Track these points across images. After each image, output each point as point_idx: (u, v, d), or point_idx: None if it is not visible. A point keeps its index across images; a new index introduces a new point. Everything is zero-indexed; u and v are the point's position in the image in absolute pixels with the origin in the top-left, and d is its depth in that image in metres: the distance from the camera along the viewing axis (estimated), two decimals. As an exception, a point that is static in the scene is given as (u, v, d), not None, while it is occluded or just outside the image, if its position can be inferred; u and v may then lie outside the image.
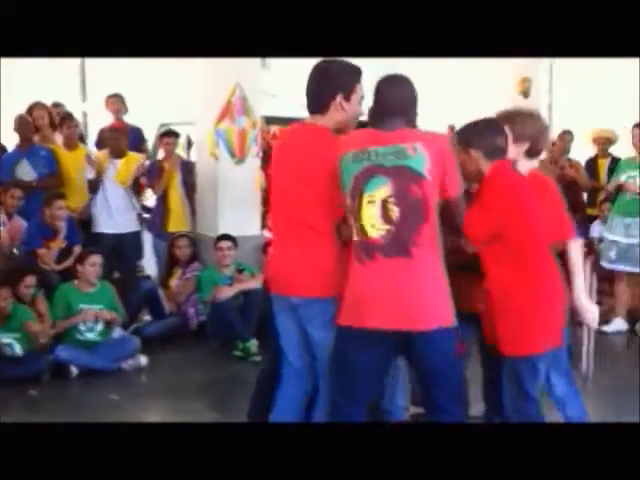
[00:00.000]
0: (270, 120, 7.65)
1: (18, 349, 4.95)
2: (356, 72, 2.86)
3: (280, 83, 9.39)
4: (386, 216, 2.60)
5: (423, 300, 2.64)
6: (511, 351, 2.87)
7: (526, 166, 3.10)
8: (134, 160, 6.48)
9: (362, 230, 2.64)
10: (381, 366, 2.79)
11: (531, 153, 3.14)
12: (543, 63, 9.72)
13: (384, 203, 2.60)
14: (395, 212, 2.59)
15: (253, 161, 6.44)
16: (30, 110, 6.58)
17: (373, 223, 2.62)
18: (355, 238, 2.67)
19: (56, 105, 7.12)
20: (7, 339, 4.94)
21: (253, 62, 6.49)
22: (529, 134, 3.09)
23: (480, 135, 2.91)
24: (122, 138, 6.57)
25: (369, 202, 2.61)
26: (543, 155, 4.39)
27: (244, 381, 4.71)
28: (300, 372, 3.04)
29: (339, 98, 2.79)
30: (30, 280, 5.13)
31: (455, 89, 10.06)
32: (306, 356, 2.98)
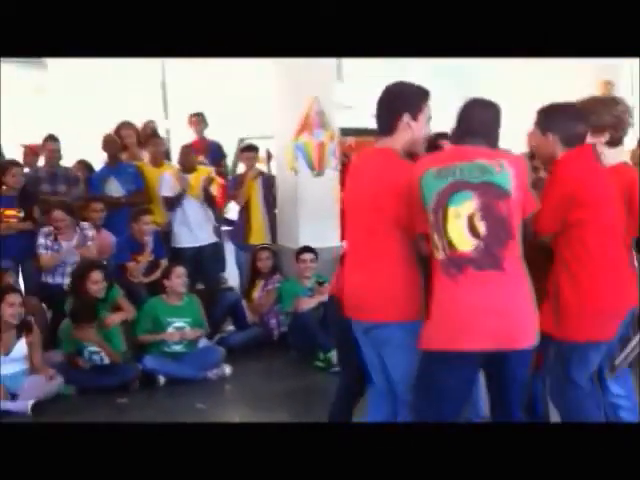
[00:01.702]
0: (347, 132, 7.72)
1: (106, 359, 5.13)
2: (423, 93, 2.89)
3: (355, 94, 9.47)
4: (473, 231, 2.60)
5: (520, 318, 2.62)
6: (562, 335, 2.85)
7: (612, 157, 3.03)
8: (205, 174, 6.63)
9: (450, 244, 2.62)
10: (470, 384, 2.78)
11: (611, 142, 3.08)
12: (625, 65, 9.45)
13: (470, 218, 2.60)
14: (482, 227, 2.59)
15: (331, 173, 6.51)
16: (118, 129, 6.87)
17: (461, 237, 2.61)
18: (440, 255, 2.64)
19: (149, 122, 7.41)
20: (94, 349, 5.12)
21: (329, 75, 6.59)
22: (606, 123, 3.05)
23: (560, 120, 2.89)
24: (191, 153, 6.73)
25: (455, 217, 2.61)
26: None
27: (325, 391, 4.72)
28: (383, 392, 3.05)
29: (406, 118, 2.82)
30: (96, 276, 5.25)
31: (537, 93, 9.88)
32: (387, 377, 2.98)
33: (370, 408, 3.17)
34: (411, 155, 2.88)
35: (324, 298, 5.60)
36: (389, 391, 3.01)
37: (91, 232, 5.93)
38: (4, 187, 6.03)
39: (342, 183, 6.58)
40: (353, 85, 9.72)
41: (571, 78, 8.86)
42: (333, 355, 5.31)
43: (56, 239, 5.76)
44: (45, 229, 5.78)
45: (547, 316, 2.84)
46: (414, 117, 2.82)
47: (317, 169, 6.53)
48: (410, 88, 2.89)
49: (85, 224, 5.97)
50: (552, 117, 2.93)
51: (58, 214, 5.75)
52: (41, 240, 5.75)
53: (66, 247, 5.76)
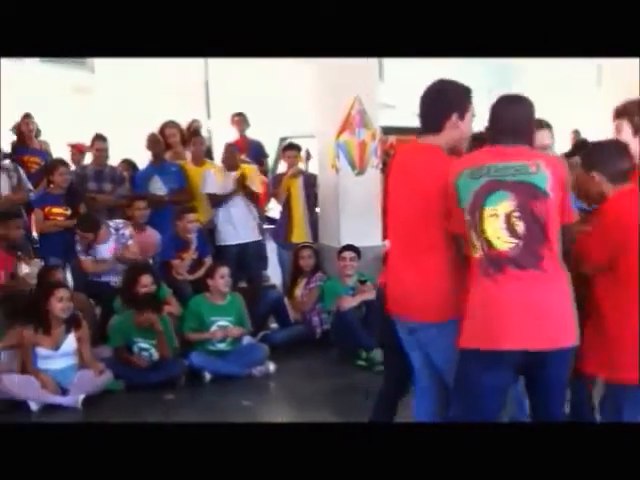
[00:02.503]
0: (388, 130, 7.73)
1: (155, 355, 5.21)
2: (469, 91, 2.90)
3: (397, 94, 9.47)
4: (511, 230, 2.60)
5: (559, 317, 2.61)
6: (615, 377, 2.80)
7: None
8: (249, 172, 6.68)
9: (488, 244, 2.62)
10: (509, 383, 2.77)
11: None
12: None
13: (508, 217, 2.60)
14: (520, 226, 2.59)
15: (373, 172, 6.53)
16: (162, 128, 6.96)
17: (499, 236, 2.60)
18: (478, 254, 2.64)
19: (193, 121, 7.52)
20: (145, 345, 5.22)
21: (371, 75, 6.60)
22: None
23: (604, 158, 2.88)
24: (234, 152, 6.79)
25: (491, 216, 2.61)
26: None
27: (367, 390, 4.77)
28: (427, 391, 3.06)
29: (454, 117, 2.82)
30: (146, 279, 5.35)
31: (584, 93, 9.85)
32: (433, 375, 2.99)
33: (416, 407, 3.17)
34: (453, 152, 2.89)
35: (366, 297, 5.66)
36: (434, 390, 3.02)
37: (127, 230, 6.00)
38: (51, 186, 6.16)
39: (384, 182, 6.61)
40: (394, 85, 9.72)
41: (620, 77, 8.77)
42: (375, 354, 5.33)
43: (90, 245, 5.86)
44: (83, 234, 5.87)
45: (591, 357, 2.81)
46: (461, 116, 2.83)
47: (359, 168, 6.55)
48: (457, 87, 2.89)
49: (119, 223, 6.04)
50: (596, 156, 2.91)
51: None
52: (78, 247, 5.86)
53: (104, 251, 5.86)
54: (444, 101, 2.84)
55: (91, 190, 6.48)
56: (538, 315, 2.57)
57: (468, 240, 2.67)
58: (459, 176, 2.68)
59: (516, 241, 2.59)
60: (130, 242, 5.96)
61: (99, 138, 6.71)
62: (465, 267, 2.74)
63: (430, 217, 2.79)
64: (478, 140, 3.00)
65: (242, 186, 6.45)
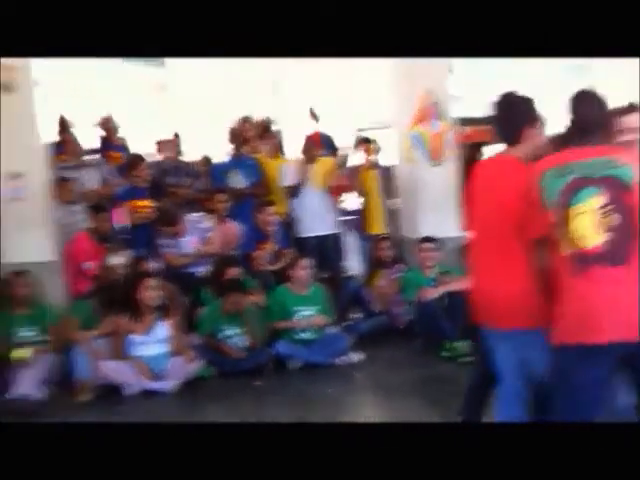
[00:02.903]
0: (463, 121, 7.70)
1: (243, 342, 5.32)
2: (533, 102, 2.95)
3: (465, 85, 9.43)
4: (600, 226, 2.61)
5: None
6: None
7: None
8: (327, 164, 6.75)
9: (578, 241, 2.63)
10: (605, 380, 2.74)
11: None
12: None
13: (597, 213, 2.61)
14: (609, 222, 2.60)
15: (450, 164, 6.53)
16: (239, 123, 7.09)
17: (588, 233, 2.62)
18: (568, 252, 2.65)
19: (266, 117, 7.63)
20: (233, 332, 5.34)
21: (441, 66, 6.59)
22: None
23: None
24: (313, 145, 6.87)
25: (580, 213, 2.62)
26: None
27: (451, 381, 4.79)
28: (515, 394, 3.05)
29: (528, 129, 2.90)
30: (233, 272, 5.47)
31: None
32: (523, 378, 2.99)
33: (501, 409, 3.17)
34: (533, 160, 2.93)
35: (448, 288, 5.67)
36: (521, 393, 3.02)
37: (207, 223, 6.12)
38: (136, 180, 6.34)
39: (463, 172, 6.61)
40: (462, 76, 9.68)
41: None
42: (459, 345, 5.35)
43: (172, 238, 6.00)
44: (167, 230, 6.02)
45: None
46: (534, 127, 2.92)
47: (435, 159, 6.56)
48: (525, 100, 2.96)
49: (199, 216, 6.18)
50: None
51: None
52: (161, 241, 6.01)
53: (185, 244, 6.00)
54: (516, 115, 2.93)
55: (170, 184, 6.64)
56: (630, 306, 2.58)
57: (555, 240, 2.69)
58: (543, 177, 2.72)
59: (604, 237, 2.60)
60: (210, 234, 6.09)
61: (176, 135, 6.88)
62: (545, 273, 2.76)
63: (511, 228, 2.83)
64: (556, 142, 3.04)
65: (319, 179, 6.52)
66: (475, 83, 9.08)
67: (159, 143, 6.96)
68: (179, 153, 6.89)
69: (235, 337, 5.34)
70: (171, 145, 6.90)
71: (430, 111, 6.53)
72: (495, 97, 2.97)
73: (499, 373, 3.09)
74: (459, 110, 8.42)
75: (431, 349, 5.52)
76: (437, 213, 6.36)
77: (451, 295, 5.64)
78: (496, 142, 3.02)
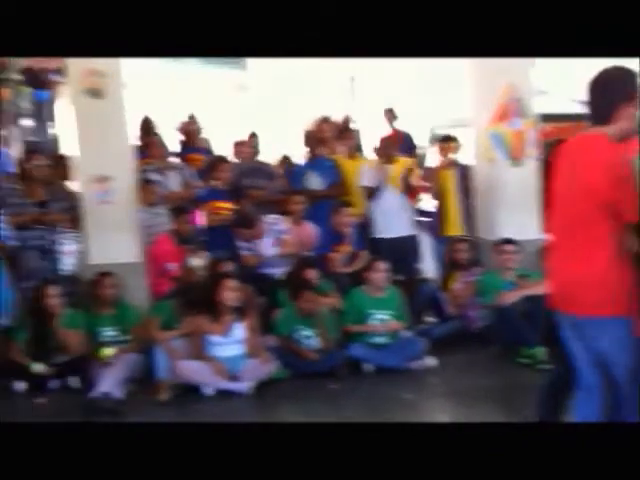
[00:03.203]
0: (546, 118, 7.49)
1: (317, 343, 5.38)
2: (634, 77, 2.80)
3: (549, 79, 9.17)
4: None
5: None
6: None
7: None
8: (405, 165, 6.70)
9: None
10: None
11: None
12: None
13: None
14: None
15: (532, 163, 6.37)
16: (317, 124, 7.13)
17: None
18: None
19: (345, 116, 7.68)
20: (307, 333, 5.40)
21: (523, 61, 6.40)
22: None
23: None
24: (392, 145, 6.83)
25: None
26: None
27: (529, 388, 4.65)
28: (591, 388, 2.96)
29: (625, 107, 2.76)
30: (311, 274, 5.52)
31: None
32: (599, 372, 2.89)
33: (578, 406, 3.09)
34: (623, 140, 2.80)
35: (528, 292, 5.53)
36: (598, 387, 2.92)
37: (283, 225, 6.19)
38: (216, 181, 6.48)
39: (545, 173, 6.43)
40: (546, 69, 9.42)
41: None
42: (538, 351, 5.23)
43: (249, 240, 6.11)
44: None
45: None
46: (631, 104, 2.76)
47: (515, 159, 6.40)
48: (624, 74, 2.81)
49: (275, 218, 6.26)
50: None
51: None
52: (239, 243, 6.11)
53: (262, 246, 6.09)
54: (612, 91, 2.78)
55: (246, 185, 6.74)
56: None
57: None
58: (636, 159, 2.61)
59: None
60: (286, 236, 6.16)
61: (251, 135, 6.98)
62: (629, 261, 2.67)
63: (597, 209, 2.72)
64: None
65: (398, 179, 6.49)
66: (560, 77, 8.84)
67: (236, 144, 7.09)
68: (256, 153, 6.98)
69: (310, 339, 5.39)
70: (247, 146, 7.00)
71: (512, 107, 6.38)
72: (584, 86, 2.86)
73: (574, 366, 2.99)
74: (543, 106, 8.23)
75: (508, 355, 5.43)
76: (516, 214, 6.23)
77: (530, 299, 5.51)
78: (588, 124, 2.89)
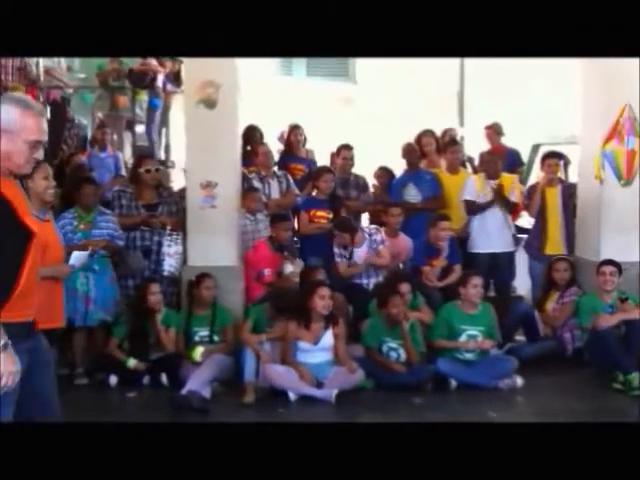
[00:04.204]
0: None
1: (403, 355, 5.38)
2: None
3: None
4: None
5: None
6: None
7: None
8: (509, 181, 6.59)
9: None
10: None
11: None
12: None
13: None
14: None
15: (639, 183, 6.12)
16: (419, 137, 7.15)
17: None
18: None
19: (449, 129, 7.65)
20: (393, 344, 5.41)
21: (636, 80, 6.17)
22: None
23: None
24: (497, 160, 6.75)
25: None
26: None
27: (623, 415, 4.53)
28: None
29: None
30: (404, 287, 5.52)
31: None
32: None
33: None
34: None
35: (627, 316, 5.34)
36: None
37: (379, 236, 6.22)
38: (317, 191, 6.61)
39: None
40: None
41: None
42: (634, 377, 5.03)
43: (346, 247, 6.16)
44: (340, 240, 6.19)
45: None
46: None
47: (626, 178, 6.17)
48: None
49: (372, 228, 6.30)
50: None
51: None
52: (335, 249, 6.19)
53: (357, 254, 6.14)
54: None
55: (340, 196, 6.80)
56: None
57: None
58: None
59: None
60: (381, 247, 6.19)
61: (345, 147, 7.06)
62: None
63: None
64: None
65: (501, 196, 6.41)
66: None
67: (332, 155, 7.19)
68: (351, 165, 7.07)
69: (395, 351, 5.40)
70: (341, 157, 7.08)
71: (625, 126, 6.16)
72: None
73: None
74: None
75: (602, 380, 5.23)
76: (621, 235, 5.99)
77: (629, 324, 5.32)
78: None
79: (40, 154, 2.62)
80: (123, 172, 7.02)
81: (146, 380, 5.30)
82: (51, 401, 2.77)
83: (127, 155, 8.38)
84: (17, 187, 2.63)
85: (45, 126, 2.60)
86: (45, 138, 2.60)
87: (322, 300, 5.19)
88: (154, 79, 8.46)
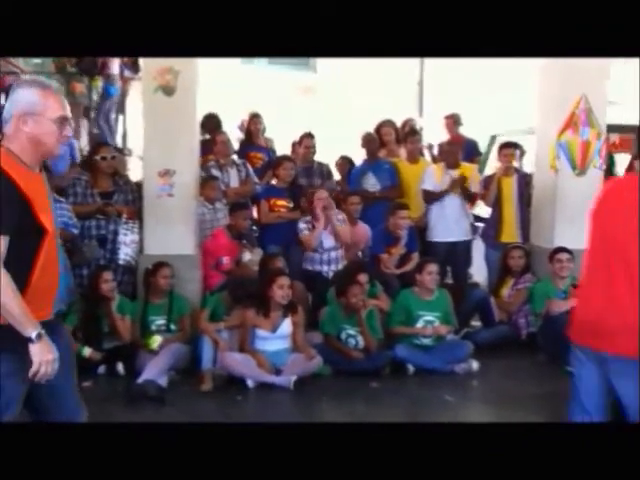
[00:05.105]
0: (611, 128, 7.32)
1: (361, 342, 5.41)
2: None
3: (620, 90, 8.93)
4: None
5: None
6: None
7: None
8: (468, 171, 6.67)
9: None
10: None
11: None
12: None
13: None
14: None
15: (594, 173, 6.24)
16: (378, 127, 7.18)
17: None
18: None
19: (409, 120, 7.69)
20: (352, 332, 5.45)
21: (600, 72, 6.27)
22: None
23: None
24: (457, 151, 6.83)
25: None
26: None
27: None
28: (591, 418, 2.84)
29: None
30: (363, 277, 5.53)
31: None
32: (605, 408, 2.81)
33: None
34: None
35: (579, 302, 5.43)
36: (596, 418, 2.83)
37: (341, 216, 6.26)
38: (277, 180, 6.60)
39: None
40: (617, 81, 9.18)
41: None
42: (586, 361, 5.12)
43: (313, 226, 6.18)
44: (305, 218, 6.24)
45: None
46: None
47: (580, 168, 6.30)
48: None
49: (337, 211, 6.32)
50: None
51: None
52: (301, 225, 6.22)
53: (324, 235, 6.17)
54: None
55: (302, 185, 6.80)
56: None
57: None
58: None
59: None
60: (343, 226, 6.22)
61: (307, 136, 7.07)
62: None
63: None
64: None
65: (460, 185, 6.47)
66: (632, 89, 8.59)
67: (293, 145, 7.18)
68: (313, 154, 7.08)
69: (354, 338, 5.43)
70: (302, 146, 7.09)
71: (581, 117, 6.27)
72: None
73: (580, 396, 2.88)
74: (611, 116, 8.04)
75: (554, 364, 5.33)
76: (574, 224, 6.08)
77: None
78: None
79: (68, 130, 2.57)
80: (78, 160, 6.90)
81: (102, 369, 5.24)
82: (69, 402, 2.73)
83: (83, 143, 8.24)
84: (42, 181, 2.57)
85: (65, 102, 2.56)
86: (69, 114, 2.56)
87: (281, 290, 5.19)
88: (104, 66, 8.32)
